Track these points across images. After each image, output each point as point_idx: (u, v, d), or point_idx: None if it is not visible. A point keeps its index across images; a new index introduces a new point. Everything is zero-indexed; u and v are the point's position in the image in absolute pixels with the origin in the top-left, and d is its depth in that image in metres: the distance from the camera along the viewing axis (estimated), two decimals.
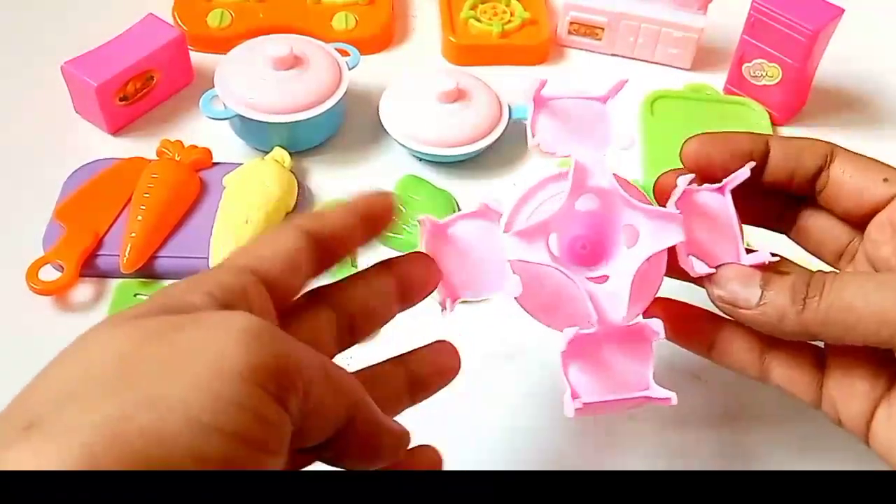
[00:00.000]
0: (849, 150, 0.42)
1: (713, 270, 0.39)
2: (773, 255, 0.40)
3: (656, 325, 0.38)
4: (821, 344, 0.42)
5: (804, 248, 0.44)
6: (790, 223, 0.44)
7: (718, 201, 0.41)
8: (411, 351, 0.40)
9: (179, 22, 0.68)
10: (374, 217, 0.38)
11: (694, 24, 0.67)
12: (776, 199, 0.44)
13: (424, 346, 0.40)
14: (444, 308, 0.40)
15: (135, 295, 0.53)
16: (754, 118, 0.65)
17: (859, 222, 0.42)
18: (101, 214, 0.56)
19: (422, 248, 0.40)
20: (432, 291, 0.39)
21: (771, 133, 0.64)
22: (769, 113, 0.65)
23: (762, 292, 0.38)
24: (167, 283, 0.54)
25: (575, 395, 0.38)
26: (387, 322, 0.39)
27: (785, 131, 0.66)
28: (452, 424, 0.49)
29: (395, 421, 0.36)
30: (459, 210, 0.59)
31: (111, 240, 0.54)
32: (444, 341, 0.41)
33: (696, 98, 0.67)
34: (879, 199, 0.40)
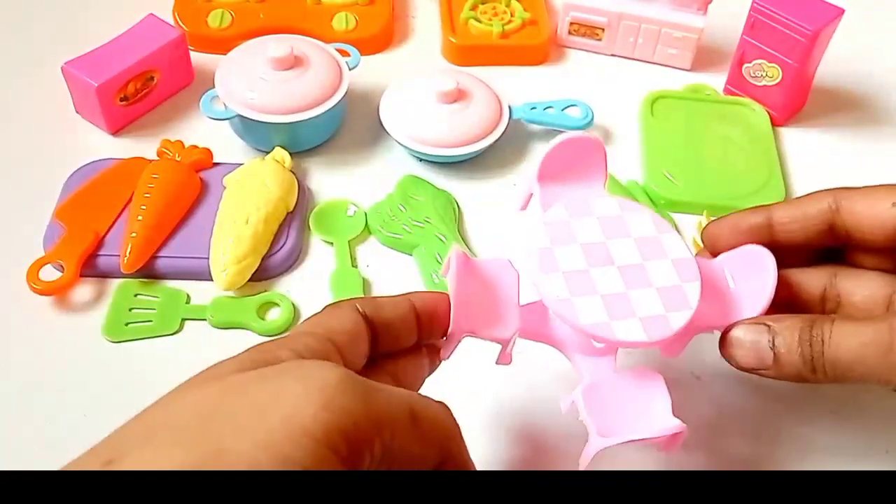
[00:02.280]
0: (850, 188, 0.44)
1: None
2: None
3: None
4: None
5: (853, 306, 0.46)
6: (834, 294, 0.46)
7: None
8: None
9: (180, 22, 0.69)
10: (431, 317, 0.40)
11: (694, 24, 0.67)
12: (815, 277, 0.46)
13: None
14: (447, 348, 0.42)
15: (135, 295, 0.53)
16: (754, 119, 0.65)
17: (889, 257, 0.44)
18: (102, 214, 0.56)
19: (450, 278, 0.42)
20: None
21: (772, 135, 0.64)
22: (769, 113, 0.65)
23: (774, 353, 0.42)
24: (167, 283, 0.54)
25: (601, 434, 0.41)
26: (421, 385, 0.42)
27: (785, 132, 0.66)
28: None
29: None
30: (459, 209, 0.59)
31: (111, 240, 0.55)
32: (443, 405, 0.40)
33: (695, 98, 0.67)
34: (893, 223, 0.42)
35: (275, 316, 0.53)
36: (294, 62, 0.60)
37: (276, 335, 0.52)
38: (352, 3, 0.70)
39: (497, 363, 0.45)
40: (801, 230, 0.45)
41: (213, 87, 0.60)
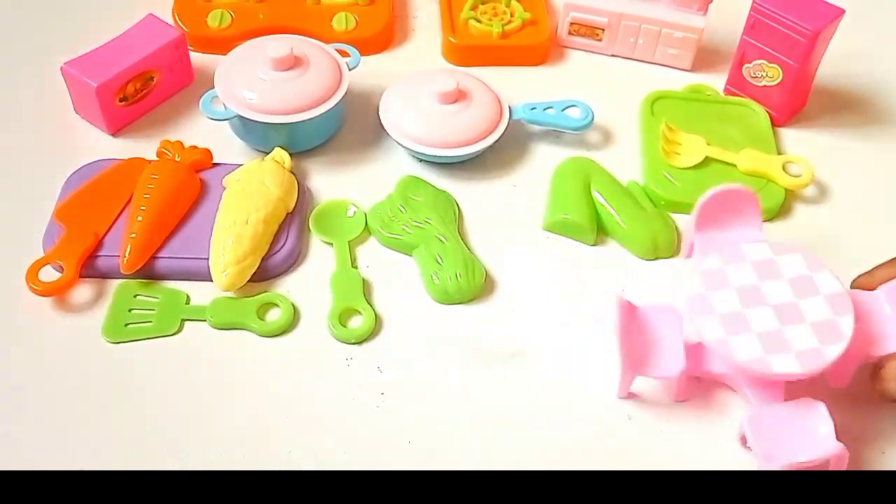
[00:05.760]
0: None
1: None
2: None
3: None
4: None
5: None
6: None
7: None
8: None
9: (179, 22, 0.68)
10: None
11: (694, 24, 0.67)
12: None
13: None
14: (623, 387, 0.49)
15: (135, 296, 0.53)
16: (754, 119, 0.65)
17: None
18: (101, 215, 0.56)
19: (616, 327, 0.47)
20: None
21: (772, 135, 0.64)
22: (769, 114, 0.65)
23: None
24: (167, 283, 0.54)
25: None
26: None
27: (785, 132, 0.66)
28: (452, 423, 0.49)
29: None
30: (459, 209, 0.59)
31: (111, 240, 0.54)
32: None
33: (696, 99, 0.67)
34: None
35: (275, 317, 0.53)
36: (294, 62, 0.60)
37: (275, 336, 0.52)
38: (352, 3, 0.70)
39: (673, 401, 0.50)
40: None
41: (213, 87, 0.60)
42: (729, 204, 0.51)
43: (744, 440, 0.47)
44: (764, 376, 0.46)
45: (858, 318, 0.47)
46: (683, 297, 0.48)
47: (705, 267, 0.49)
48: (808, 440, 0.45)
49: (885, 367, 0.47)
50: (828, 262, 0.53)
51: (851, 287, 0.51)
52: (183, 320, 0.52)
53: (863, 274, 0.51)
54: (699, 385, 0.50)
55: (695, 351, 0.49)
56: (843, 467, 0.45)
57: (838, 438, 0.45)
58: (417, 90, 0.61)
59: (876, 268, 0.51)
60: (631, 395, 0.50)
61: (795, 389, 0.48)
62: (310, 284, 0.55)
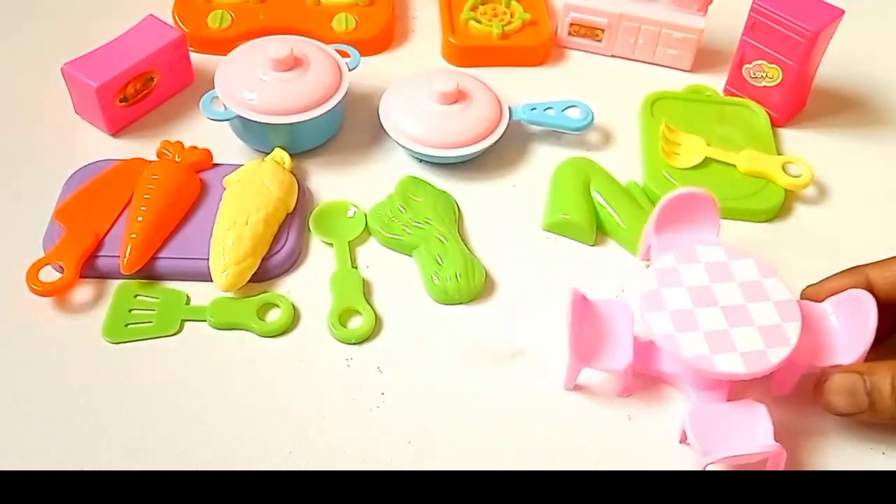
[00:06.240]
0: None
1: None
2: None
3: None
4: None
5: None
6: None
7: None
8: None
9: (180, 23, 0.69)
10: None
11: (694, 25, 0.67)
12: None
13: None
14: (569, 379, 0.50)
15: (135, 296, 0.53)
16: (754, 119, 0.65)
17: None
18: (101, 215, 0.56)
19: (567, 316, 0.47)
20: None
21: (772, 136, 0.64)
22: (769, 114, 0.65)
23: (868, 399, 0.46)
24: (167, 284, 0.54)
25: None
26: None
27: (785, 132, 0.66)
28: (452, 423, 0.49)
29: None
30: (459, 210, 0.59)
31: (111, 241, 0.54)
32: None
33: (695, 99, 0.67)
34: None
35: (275, 317, 0.53)
36: (294, 63, 0.60)
37: (275, 336, 0.52)
38: (352, 3, 0.70)
39: (617, 396, 0.50)
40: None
41: (213, 87, 0.60)
42: (688, 207, 0.51)
43: (684, 437, 0.47)
44: (708, 374, 0.46)
45: (805, 328, 0.47)
46: (638, 293, 0.49)
47: (660, 265, 0.50)
48: (746, 437, 0.46)
49: (829, 381, 0.47)
50: (827, 263, 0.53)
51: (801, 297, 0.51)
52: (183, 320, 0.52)
53: (812, 284, 0.52)
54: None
55: (645, 348, 0.49)
56: (781, 467, 0.45)
57: (779, 440, 0.45)
58: (417, 90, 0.61)
59: (825, 280, 0.51)
60: (577, 388, 0.50)
61: (739, 395, 0.48)
62: (310, 285, 0.55)
